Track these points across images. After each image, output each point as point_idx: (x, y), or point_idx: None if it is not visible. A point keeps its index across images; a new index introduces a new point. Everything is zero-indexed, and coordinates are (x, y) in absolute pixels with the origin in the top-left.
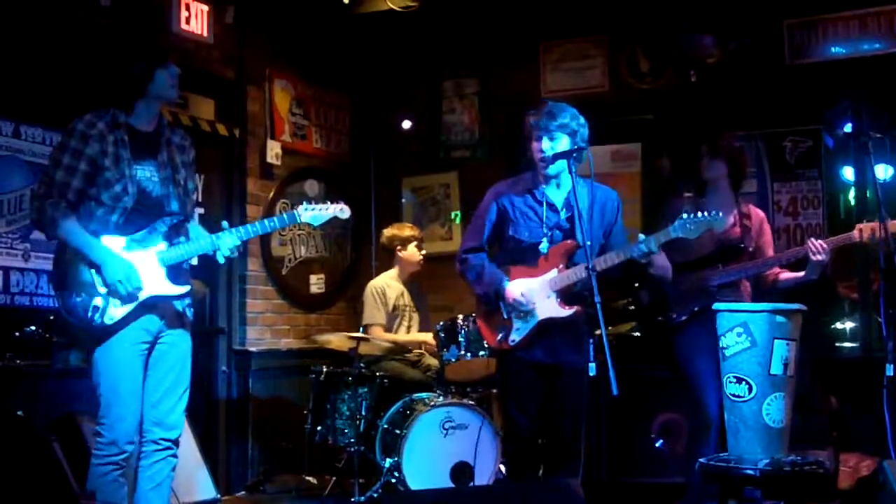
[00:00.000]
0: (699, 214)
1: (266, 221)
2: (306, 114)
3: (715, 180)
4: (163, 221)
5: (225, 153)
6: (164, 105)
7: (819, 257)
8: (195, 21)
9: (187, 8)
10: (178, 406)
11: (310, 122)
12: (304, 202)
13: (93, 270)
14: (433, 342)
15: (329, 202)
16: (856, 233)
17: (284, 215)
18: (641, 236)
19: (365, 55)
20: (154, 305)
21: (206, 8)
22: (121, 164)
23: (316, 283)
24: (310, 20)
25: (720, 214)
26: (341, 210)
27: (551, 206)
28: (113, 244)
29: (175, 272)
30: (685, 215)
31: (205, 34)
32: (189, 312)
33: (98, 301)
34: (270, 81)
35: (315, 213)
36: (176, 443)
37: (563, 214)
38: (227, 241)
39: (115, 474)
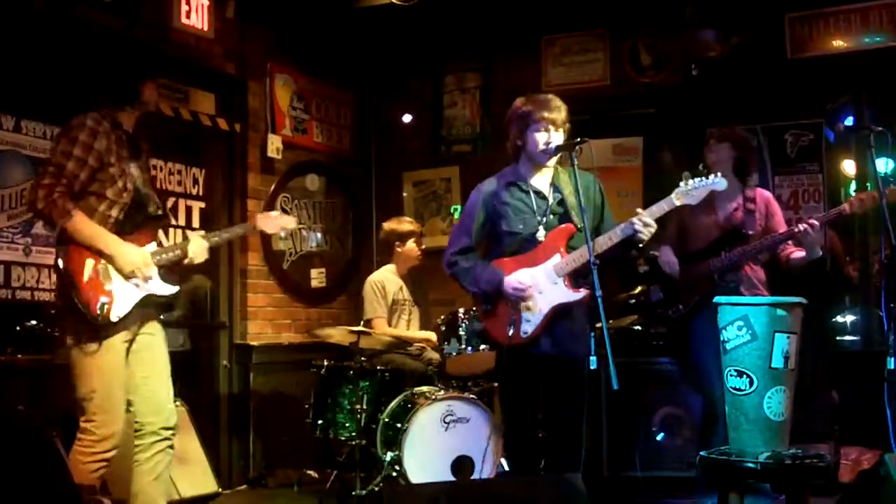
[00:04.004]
0: (698, 179)
1: (222, 232)
2: (307, 108)
3: (718, 164)
4: (154, 221)
5: (226, 148)
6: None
7: (808, 237)
8: (196, 16)
9: (188, 2)
10: (169, 393)
11: (310, 116)
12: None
13: (100, 266)
14: (436, 342)
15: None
16: (846, 205)
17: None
18: (639, 210)
19: (366, 49)
20: (147, 303)
21: (206, 2)
22: (121, 162)
23: (317, 278)
24: (311, 14)
25: (719, 175)
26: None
27: (538, 194)
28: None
29: (167, 272)
30: (684, 182)
31: (205, 29)
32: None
33: (106, 297)
34: (271, 76)
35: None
36: (173, 432)
37: (552, 199)
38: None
39: (101, 472)
